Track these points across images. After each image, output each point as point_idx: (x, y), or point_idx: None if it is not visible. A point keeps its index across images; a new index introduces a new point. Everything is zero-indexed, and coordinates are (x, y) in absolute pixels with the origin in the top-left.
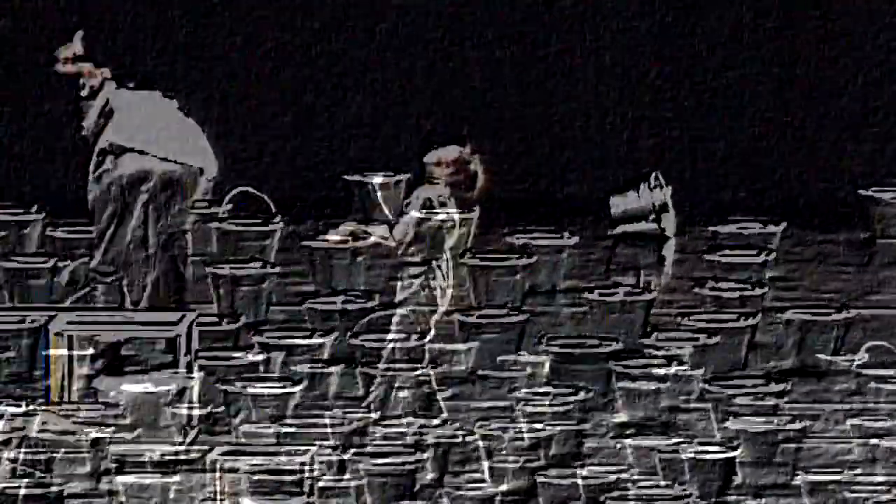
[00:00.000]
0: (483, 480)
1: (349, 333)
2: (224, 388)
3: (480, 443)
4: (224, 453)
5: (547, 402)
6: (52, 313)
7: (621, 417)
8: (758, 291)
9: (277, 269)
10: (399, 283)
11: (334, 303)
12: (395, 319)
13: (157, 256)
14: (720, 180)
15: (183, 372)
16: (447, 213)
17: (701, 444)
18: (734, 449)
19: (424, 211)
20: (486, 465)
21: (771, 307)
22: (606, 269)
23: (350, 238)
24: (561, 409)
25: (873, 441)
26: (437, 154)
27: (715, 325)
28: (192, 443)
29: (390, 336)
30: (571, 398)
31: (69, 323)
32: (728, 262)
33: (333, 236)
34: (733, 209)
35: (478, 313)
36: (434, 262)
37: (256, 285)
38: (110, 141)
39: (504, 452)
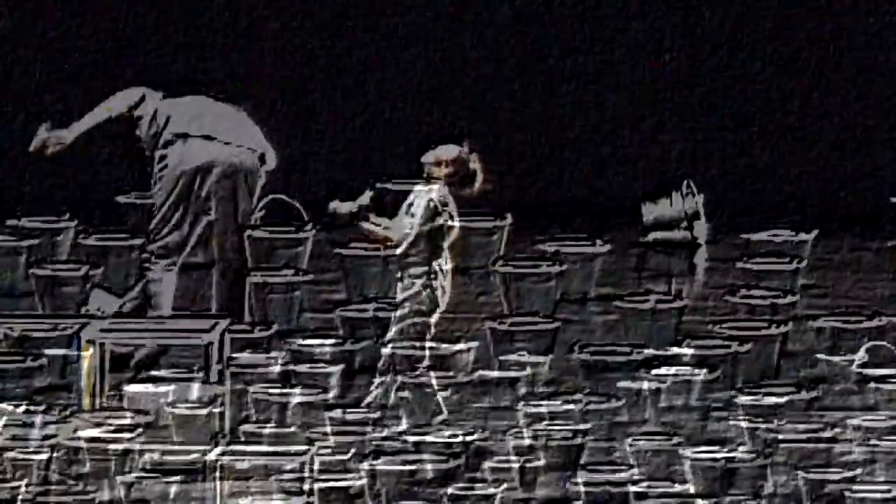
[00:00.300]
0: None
1: (380, 341)
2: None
3: (511, 447)
4: (223, 453)
5: (578, 409)
6: (85, 321)
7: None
8: (789, 299)
9: (310, 277)
10: (399, 284)
11: (366, 310)
12: (394, 320)
13: (218, 256)
14: (752, 188)
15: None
16: (448, 214)
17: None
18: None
19: (425, 212)
20: (516, 471)
21: (802, 315)
22: (638, 276)
23: (351, 215)
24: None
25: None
26: (436, 153)
27: (746, 332)
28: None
29: (389, 336)
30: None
31: (101, 331)
32: (760, 270)
33: (337, 206)
34: (765, 217)
35: (510, 321)
36: (435, 263)
37: (289, 293)
38: (174, 132)
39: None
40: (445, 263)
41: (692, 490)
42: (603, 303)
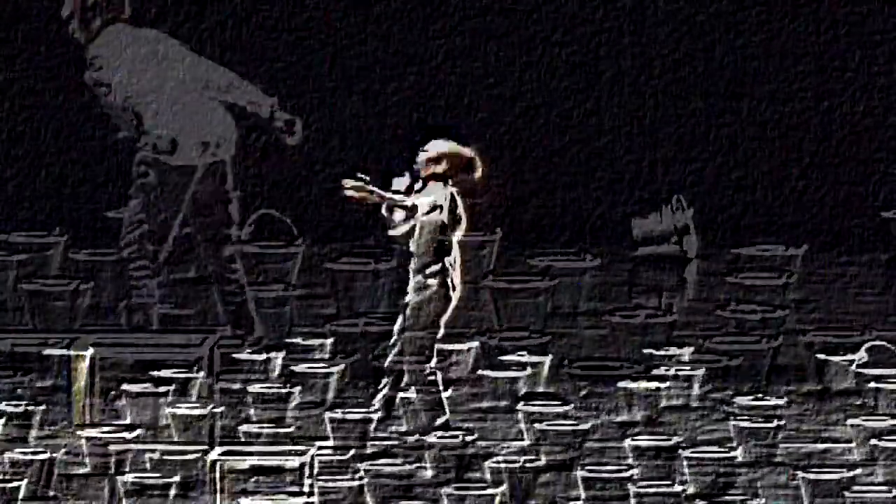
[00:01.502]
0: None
1: (370, 356)
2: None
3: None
4: (223, 453)
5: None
6: (75, 336)
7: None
8: (779, 314)
9: (299, 292)
10: (413, 283)
11: (356, 325)
12: (406, 320)
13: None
14: (742, 203)
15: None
16: (450, 210)
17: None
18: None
19: (428, 210)
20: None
21: (792, 329)
22: (628, 291)
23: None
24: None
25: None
26: (428, 153)
27: (736, 347)
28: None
29: (395, 338)
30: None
31: (91, 345)
32: (749, 285)
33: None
34: (755, 231)
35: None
36: (446, 260)
37: (278, 308)
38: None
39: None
40: (455, 260)
41: (690, 490)
42: (593, 317)
